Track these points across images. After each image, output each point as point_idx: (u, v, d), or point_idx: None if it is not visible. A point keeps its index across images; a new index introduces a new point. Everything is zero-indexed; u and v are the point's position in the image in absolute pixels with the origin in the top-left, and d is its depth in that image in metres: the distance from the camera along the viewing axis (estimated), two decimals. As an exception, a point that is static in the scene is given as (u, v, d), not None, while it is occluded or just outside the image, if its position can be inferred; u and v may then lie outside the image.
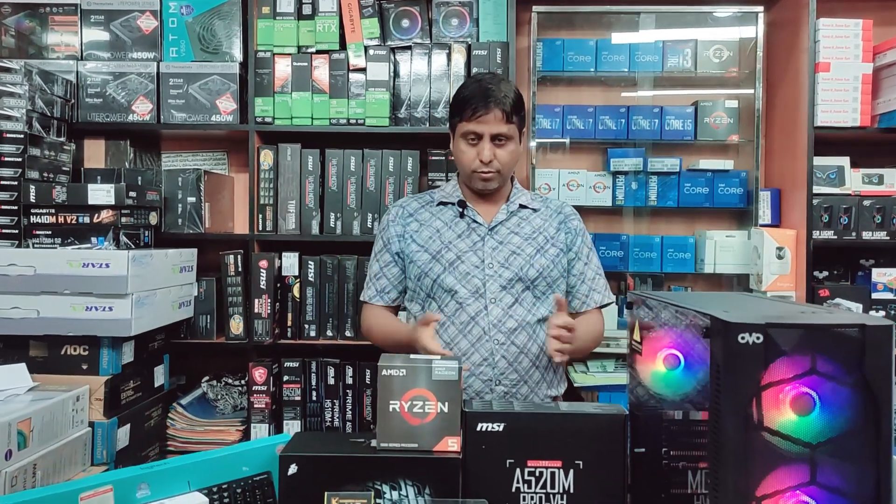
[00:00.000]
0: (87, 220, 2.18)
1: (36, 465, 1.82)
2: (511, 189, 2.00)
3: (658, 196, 2.90)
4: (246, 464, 1.34)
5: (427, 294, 1.92)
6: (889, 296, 2.69)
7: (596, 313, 1.99)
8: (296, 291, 2.65)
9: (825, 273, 2.89)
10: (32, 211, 2.18)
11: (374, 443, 1.28)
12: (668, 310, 1.16)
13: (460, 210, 1.95)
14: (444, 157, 2.69)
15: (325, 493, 1.19)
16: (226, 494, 1.29)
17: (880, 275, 2.71)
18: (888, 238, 2.67)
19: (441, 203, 1.99)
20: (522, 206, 1.98)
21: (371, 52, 2.65)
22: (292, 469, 1.24)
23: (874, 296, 2.70)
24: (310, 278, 2.65)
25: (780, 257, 2.67)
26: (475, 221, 1.93)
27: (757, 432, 0.88)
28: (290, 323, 2.66)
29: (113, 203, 2.18)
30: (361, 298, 2.03)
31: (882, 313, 2.68)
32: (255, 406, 2.56)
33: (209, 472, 1.29)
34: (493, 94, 1.84)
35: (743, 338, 0.86)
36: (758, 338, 0.86)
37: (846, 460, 0.88)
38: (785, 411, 0.88)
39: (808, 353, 0.87)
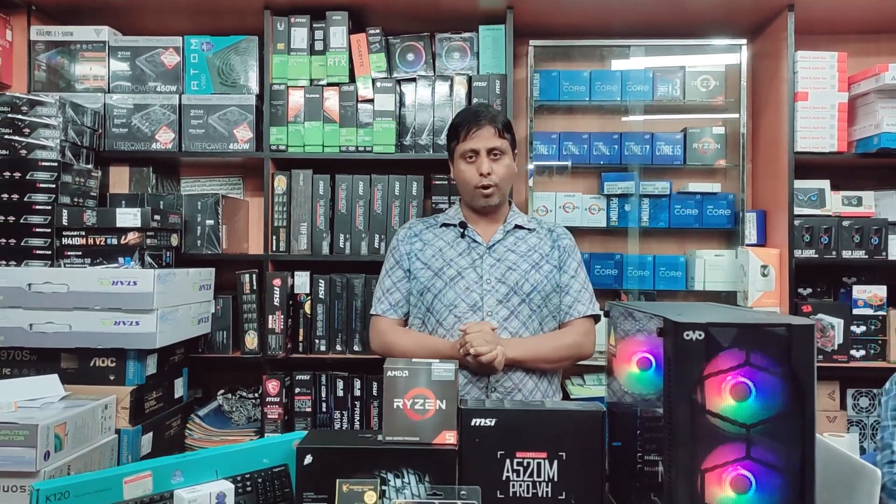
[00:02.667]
0: (114, 241, 2.34)
1: (70, 467, 1.97)
2: (508, 211, 2.17)
3: (650, 217, 3.04)
4: (266, 456, 1.49)
5: (427, 309, 2.06)
6: (869, 311, 2.82)
7: (579, 324, 2.09)
8: (307, 308, 2.80)
9: (809, 290, 3.03)
10: (64, 233, 2.33)
11: (380, 437, 1.43)
12: (639, 316, 1.31)
13: (461, 231, 2.12)
14: (446, 182, 2.85)
15: (337, 480, 1.32)
16: (248, 483, 1.44)
17: (860, 291, 2.84)
18: (867, 257, 2.81)
19: (444, 225, 2.16)
20: (518, 227, 2.14)
21: (378, 84, 2.82)
22: (308, 459, 1.38)
23: (855, 311, 2.82)
24: (320, 296, 2.80)
25: (764, 275, 2.81)
26: (475, 241, 2.09)
27: (702, 415, 1.04)
28: (301, 338, 2.80)
29: (139, 226, 2.34)
30: (373, 312, 2.14)
31: (863, 328, 2.81)
32: (269, 416, 2.71)
33: (234, 462, 1.44)
34: (483, 115, 2.06)
35: (688, 335, 1.02)
36: (700, 335, 1.02)
37: (777, 439, 1.03)
38: (725, 397, 1.03)
39: (743, 348, 1.03)
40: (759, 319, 1.05)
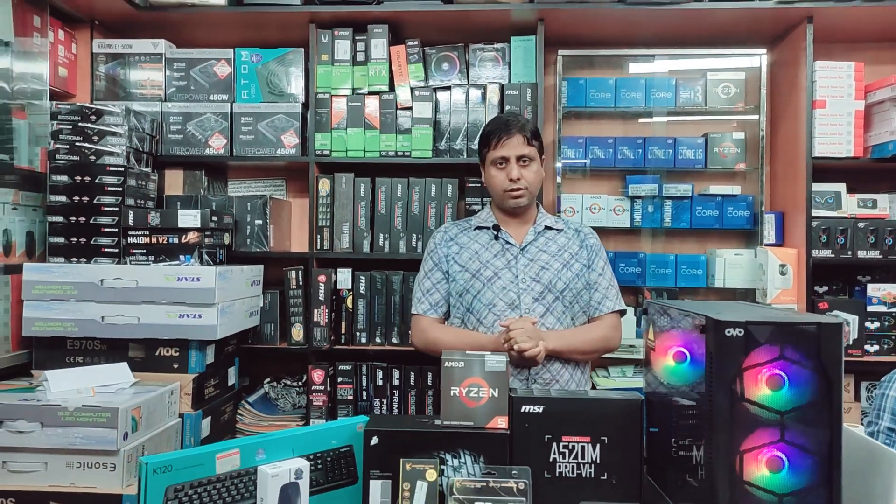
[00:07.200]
0: (176, 240, 2.50)
1: (144, 447, 2.14)
2: (537, 213, 2.31)
3: (672, 218, 3.15)
4: (334, 438, 1.61)
5: (466, 308, 2.20)
6: (883, 308, 2.94)
7: (608, 318, 2.23)
8: (349, 303, 2.94)
9: (825, 288, 3.15)
10: (130, 232, 2.50)
11: (437, 421, 1.53)
12: (677, 314, 1.43)
13: (495, 233, 2.26)
14: (480, 184, 2.96)
15: (401, 460, 1.42)
16: (319, 461, 1.57)
17: (875, 290, 2.95)
18: (881, 257, 2.92)
19: (478, 228, 2.30)
20: (548, 228, 2.28)
21: (416, 92, 2.96)
22: (374, 440, 1.48)
23: (869, 308, 2.93)
24: (361, 291, 2.95)
25: (783, 274, 2.93)
26: (508, 242, 2.23)
27: (740, 403, 1.17)
28: (343, 330, 2.95)
29: (198, 226, 2.50)
30: (414, 312, 2.29)
31: (877, 324, 2.93)
32: (314, 403, 2.86)
33: (307, 442, 1.56)
34: (513, 124, 2.20)
35: (729, 332, 1.16)
36: (740, 332, 1.16)
37: (807, 424, 1.16)
38: (761, 387, 1.16)
39: (778, 344, 1.17)
40: (791, 318, 1.19)
